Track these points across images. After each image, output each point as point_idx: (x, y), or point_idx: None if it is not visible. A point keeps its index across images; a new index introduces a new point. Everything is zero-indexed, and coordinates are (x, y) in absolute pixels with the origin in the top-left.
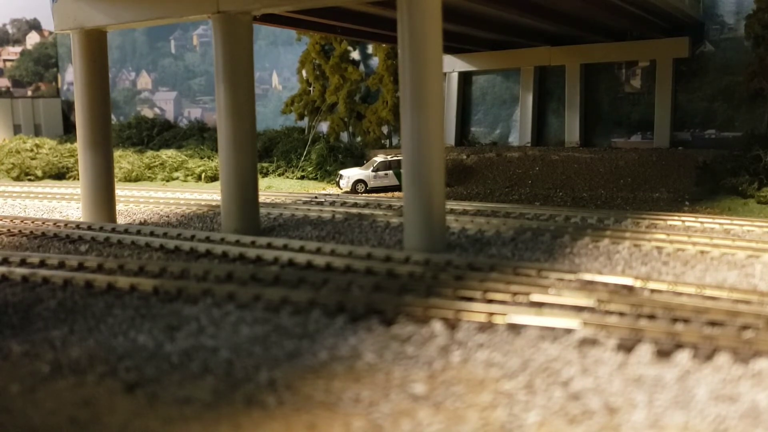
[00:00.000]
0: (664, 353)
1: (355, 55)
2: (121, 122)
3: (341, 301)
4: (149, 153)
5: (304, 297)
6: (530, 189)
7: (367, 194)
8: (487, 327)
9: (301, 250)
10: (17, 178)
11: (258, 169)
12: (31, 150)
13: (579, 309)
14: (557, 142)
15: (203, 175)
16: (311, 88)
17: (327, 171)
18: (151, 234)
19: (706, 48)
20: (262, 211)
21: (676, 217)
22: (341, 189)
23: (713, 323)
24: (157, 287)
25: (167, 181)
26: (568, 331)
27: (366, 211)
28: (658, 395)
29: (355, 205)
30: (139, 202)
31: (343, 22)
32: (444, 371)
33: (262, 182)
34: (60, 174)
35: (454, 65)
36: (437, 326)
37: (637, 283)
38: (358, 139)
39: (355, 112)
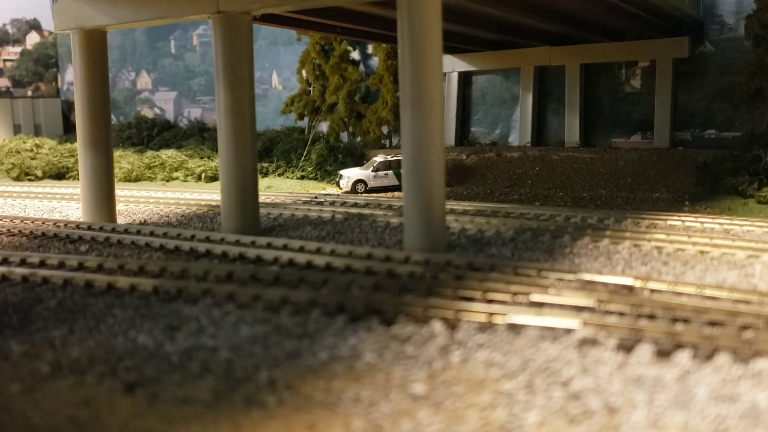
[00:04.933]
0: (664, 353)
1: (355, 55)
2: (121, 122)
3: (341, 301)
4: (149, 153)
5: (304, 297)
6: (530, 189)
7: (367, 194)
8: (487, 327)
9: (301, 250)
10: (17, 178)
11: (258, 169)
12: (31, 150)
13: (579, 309)
14: (557, 142)
15: (203, 175)
16: (311, 88)
17: (327, 171)
18: (151, 234)
19: (706, 48)
20: (262, 211)
21: (676, 217)
22: (341, 189)
23: (713, 323)
24: (157, 287)
25: (167, 181)
26: (568, 331)
27: (366, 211)
28: (658, 395)
29: (355, 205)
30: (139, 202)
31: (343, 22)
32: (444, 371)
33: (262, 182)
34: (60, 174)
35: (454, 65)
36: (437, 326)
37: (637, 283)
38: (358, 139)
39: (355, 112)
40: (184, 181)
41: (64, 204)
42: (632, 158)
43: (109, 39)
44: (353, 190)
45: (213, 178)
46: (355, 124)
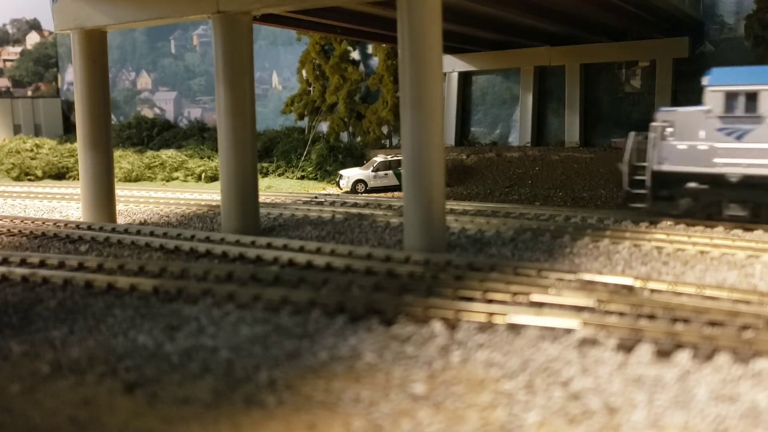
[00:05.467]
0: (664, 353)
1: (355, 55)
2: (121, 122)
3: (341, 301)
4: (149, 153)
5: (304, 297)
6: (530, 189)
7: (367, 194)
8: (487, 327)
9: (301, 250)
10: (17, 178)
11: (258, 169)
12: (31, 150)
13: (579, 309)
14: (557, 142)
15: (203, 175)
16: (311, 88)
17: (327, 171)
18: (151, 234)
19: (706, 48)
20: (262, 211)
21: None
22: (341, 189)
23: (713, 323)
24: (157, 287)
25: (167, 181)
26: (568, 331)
27: (366, 211)
28: (658, 395)
29: (355, 205)
30: (139, 202)
31: (343, 22)
32: (444, 371)
33: (262, 182)
34: (60, 174)
35: (454, 65)
36: (437, 326)
37: (637, 283)
38: (358, 139)
39: (355, 112)
40: (184, 181)
41: (64, 204)
42: None
43: (109, 39)
44: (353, 190)
45: (213, 178)
46: (355, 124)
